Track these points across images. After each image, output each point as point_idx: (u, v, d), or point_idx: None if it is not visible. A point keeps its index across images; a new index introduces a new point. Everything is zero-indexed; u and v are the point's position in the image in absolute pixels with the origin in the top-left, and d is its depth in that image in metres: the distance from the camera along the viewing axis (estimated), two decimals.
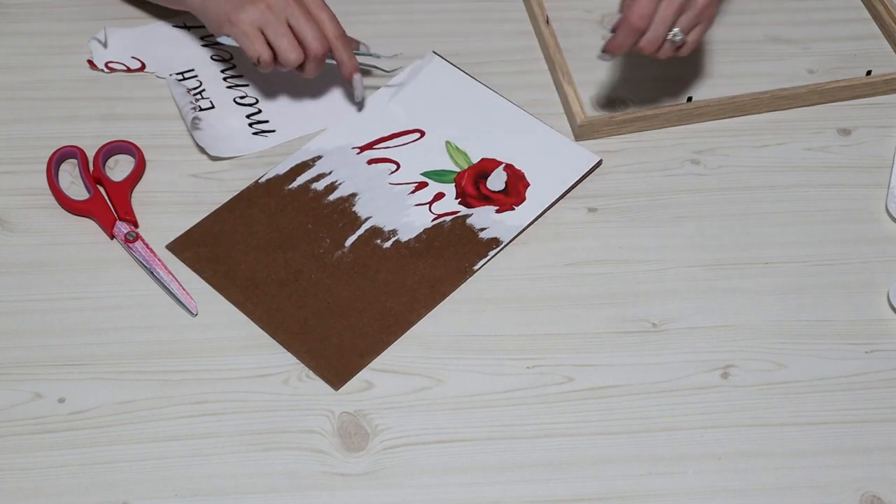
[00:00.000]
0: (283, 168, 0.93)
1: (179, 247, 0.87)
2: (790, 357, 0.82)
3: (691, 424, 0.78)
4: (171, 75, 1.00)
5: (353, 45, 0.97)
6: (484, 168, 0.94)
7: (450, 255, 0.88)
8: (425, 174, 0.93)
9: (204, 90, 0.99)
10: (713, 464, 0.76)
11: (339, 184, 0.92)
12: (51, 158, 0.92)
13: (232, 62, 1.02)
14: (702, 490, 0.75)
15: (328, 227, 0.89)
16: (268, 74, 0.95)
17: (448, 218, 0.90)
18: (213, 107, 0.98)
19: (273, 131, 0.97)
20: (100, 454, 0.76)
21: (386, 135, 0.96)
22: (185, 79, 1.00)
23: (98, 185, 0.91)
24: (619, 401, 0.79)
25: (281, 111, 0.99)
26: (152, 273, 0.85)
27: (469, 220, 0.90)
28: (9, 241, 0.88)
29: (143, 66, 1.01)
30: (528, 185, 0.93)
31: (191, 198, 0.91)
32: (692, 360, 0.82)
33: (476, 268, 0.87)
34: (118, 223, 0.88)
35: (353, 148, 0.95)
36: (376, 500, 0.74)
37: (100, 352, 0.81)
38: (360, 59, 0.96)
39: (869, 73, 1.01)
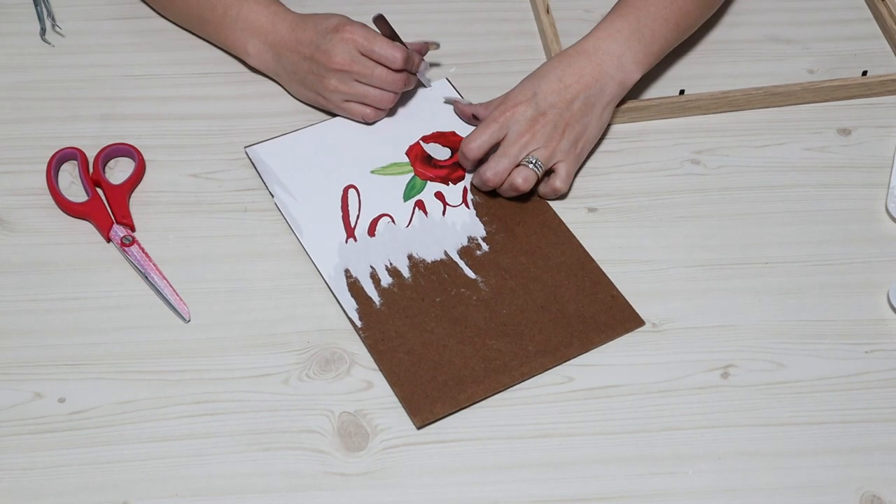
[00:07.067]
0: (350, 307, 0.84)
1: (423, 414, 0.78)
2: (790, 357, 0.82)
3: (691, 424, 0.78)
4: None
5: (423, 48, 0.97)
6: (418, 155, 0.94)
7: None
8: (406, 197, 0.91)
9: None
10: (713, 464, 0.76)
11: (395, 265, 0.86)
12: (51, 160, 0.92)
13: None
14: (702, 490, 0.75)
15: (443, 287, 0.85)
16: None
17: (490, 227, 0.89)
18: None
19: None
20: (100, 454, 0.76)
21: (344, 214, 0.90)
22: None
23: (97, 188, 0.91)
24: (619, 401, 0.79)
25: None
26: (146, 278, 0.85)
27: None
28: (9, 241, 0.88)
29: None
30: (453, 132, 0.96)
31: (191, 198, 0.91)
32: (692, 360, 0.82)
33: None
34: (115, 227, 0.88)
35: (346, 241, 0.88)
36: (376, 500, 0.74)
37: (100, 352, 0.81)
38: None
39: (865, 73, 1.00)
